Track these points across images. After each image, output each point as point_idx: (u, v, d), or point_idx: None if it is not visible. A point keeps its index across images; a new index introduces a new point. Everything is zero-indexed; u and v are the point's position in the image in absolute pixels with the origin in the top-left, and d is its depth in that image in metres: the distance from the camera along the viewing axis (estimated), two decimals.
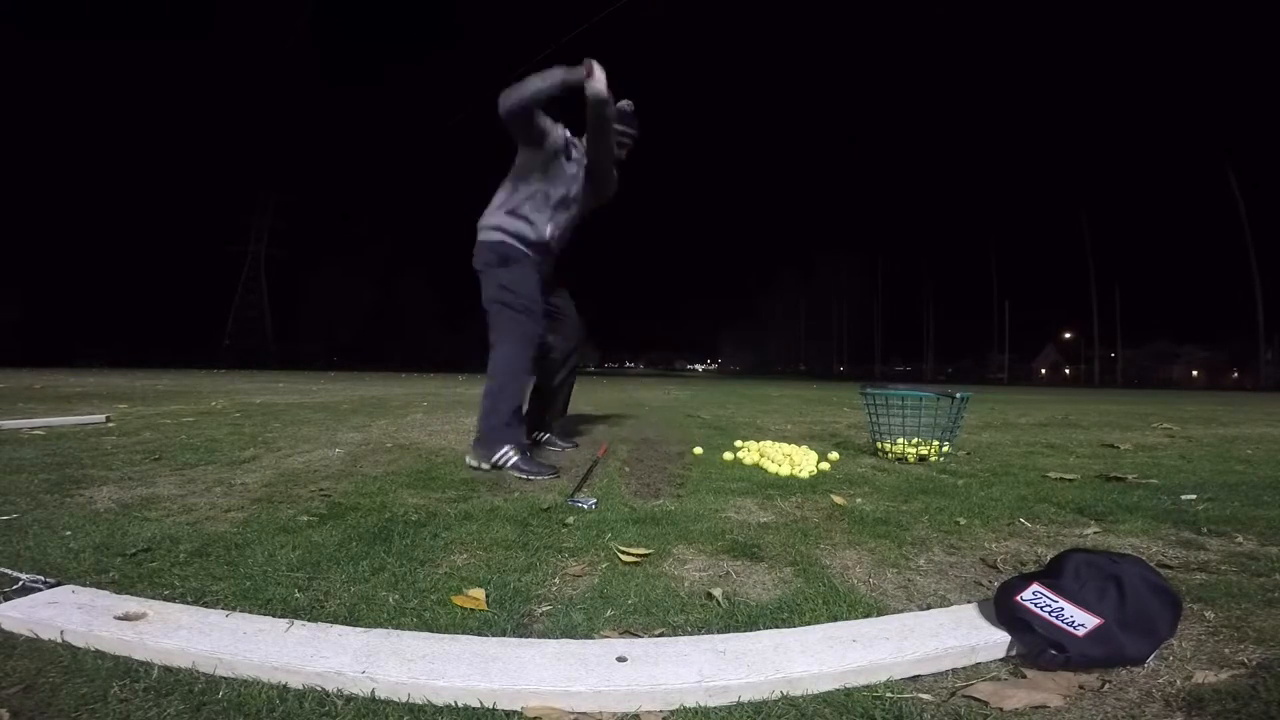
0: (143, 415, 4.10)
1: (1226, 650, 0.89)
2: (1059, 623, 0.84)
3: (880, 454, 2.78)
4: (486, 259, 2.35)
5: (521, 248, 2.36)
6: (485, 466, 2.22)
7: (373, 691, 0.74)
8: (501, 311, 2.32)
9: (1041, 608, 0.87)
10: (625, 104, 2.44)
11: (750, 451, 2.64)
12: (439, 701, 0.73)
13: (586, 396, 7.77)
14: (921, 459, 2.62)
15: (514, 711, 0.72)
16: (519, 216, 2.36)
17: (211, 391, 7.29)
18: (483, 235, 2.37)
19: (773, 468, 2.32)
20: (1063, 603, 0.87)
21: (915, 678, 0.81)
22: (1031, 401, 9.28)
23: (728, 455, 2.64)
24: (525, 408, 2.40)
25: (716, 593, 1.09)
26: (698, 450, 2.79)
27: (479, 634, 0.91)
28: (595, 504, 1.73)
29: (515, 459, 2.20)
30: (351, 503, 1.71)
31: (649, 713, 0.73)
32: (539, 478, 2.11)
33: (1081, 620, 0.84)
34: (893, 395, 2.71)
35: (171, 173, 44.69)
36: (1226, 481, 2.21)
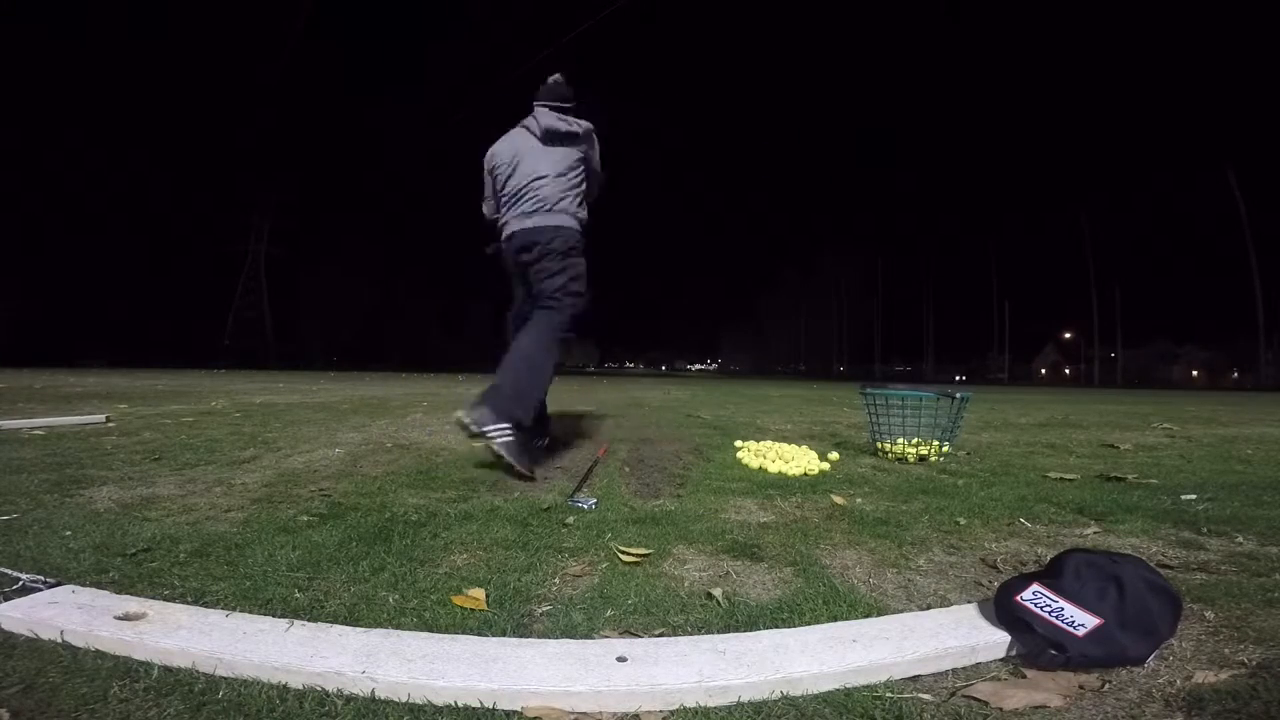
0: (143, 415, 4.10)
1: (1226, 650, 0.89)
2: (1059, 623, 0.84)
3: (880, 454, 2.77)
4: (567, 244, 2.39)
5: (582, 242, 2.49)
6: (475, 429, 2.05)
7: (373, 691, 0.74)
8: (564, 300, 2.37)
9: (1041, 608, 0.87)
10: (556, 77, 2.58)
11: (750, 452, 2.64)
12: (439, 701, 0.73)
13: (587, 396, 7.76)
14: (921, 459, 2.62)
15: (514, 711, 0.72)
16: (574, 214, 2.47)
17: (211, 391, 7.29)
18: (559, 220, 2.40)
19: (773, 467, 2.32)
20: (1063, 603, 0.87)
21: (915, 678, 0.81)
22: (1031, 401, 9.28)
23: (742, 455, 2.58)
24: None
25: (716, 593, 1.09)
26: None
27: (479, 634, 0.91)
28: (595, 504, 1.73)
29: (510, 439, 2.05)
30: (351, 503, 1.72)
31: (649, 713, 0.73)
32: (520, 467, 2.03)
33: (1081, 620, 0.84)
34: (893, 395, 2.71)
35: (172, 172, 44.74)
36: (1226, 481, 2.21)
